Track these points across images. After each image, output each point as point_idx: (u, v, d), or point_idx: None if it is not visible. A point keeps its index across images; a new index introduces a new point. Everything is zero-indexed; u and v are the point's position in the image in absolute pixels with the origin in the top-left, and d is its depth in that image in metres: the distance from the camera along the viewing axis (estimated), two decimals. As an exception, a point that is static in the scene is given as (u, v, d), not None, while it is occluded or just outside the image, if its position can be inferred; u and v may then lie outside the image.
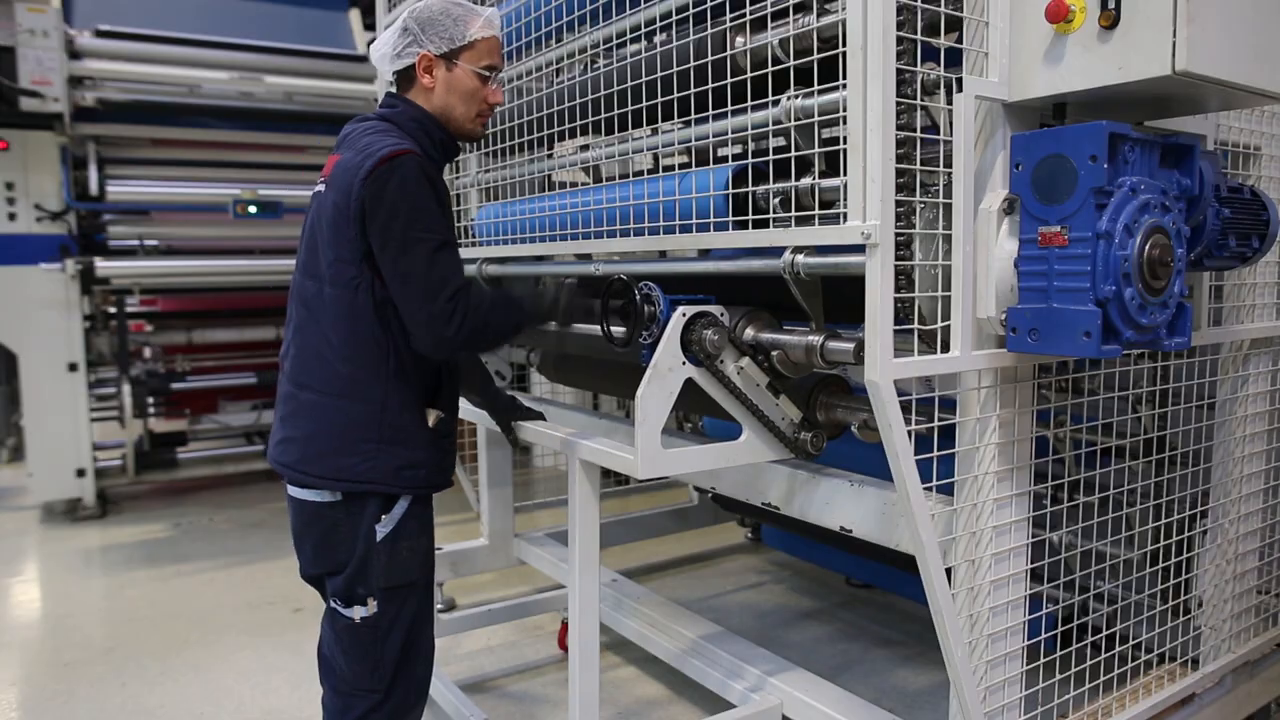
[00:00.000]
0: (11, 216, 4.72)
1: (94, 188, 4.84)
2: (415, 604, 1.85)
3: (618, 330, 1.85)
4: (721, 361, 1.74)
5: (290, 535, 1.92)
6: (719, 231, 1.84)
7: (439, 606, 3.58)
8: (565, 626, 3.11)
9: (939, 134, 1.57)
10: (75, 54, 4.72)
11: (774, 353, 1.81)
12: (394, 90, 1.90)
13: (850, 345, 1.65)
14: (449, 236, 1.74)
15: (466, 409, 2.53)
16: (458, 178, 3.11)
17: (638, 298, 1.77)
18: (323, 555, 1.83)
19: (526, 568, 3.63)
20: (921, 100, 1.53)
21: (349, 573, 1.80)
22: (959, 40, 1.61)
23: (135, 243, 5.01)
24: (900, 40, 1.46)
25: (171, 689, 2.91)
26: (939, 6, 1.55)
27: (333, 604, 1.84)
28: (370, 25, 4.66)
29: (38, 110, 4.53)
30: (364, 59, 5.57)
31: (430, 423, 1.82)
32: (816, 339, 1.71)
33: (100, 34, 4.86)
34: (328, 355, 1.76)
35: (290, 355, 1.85)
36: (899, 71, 1.47)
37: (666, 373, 1.69)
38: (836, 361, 1.69)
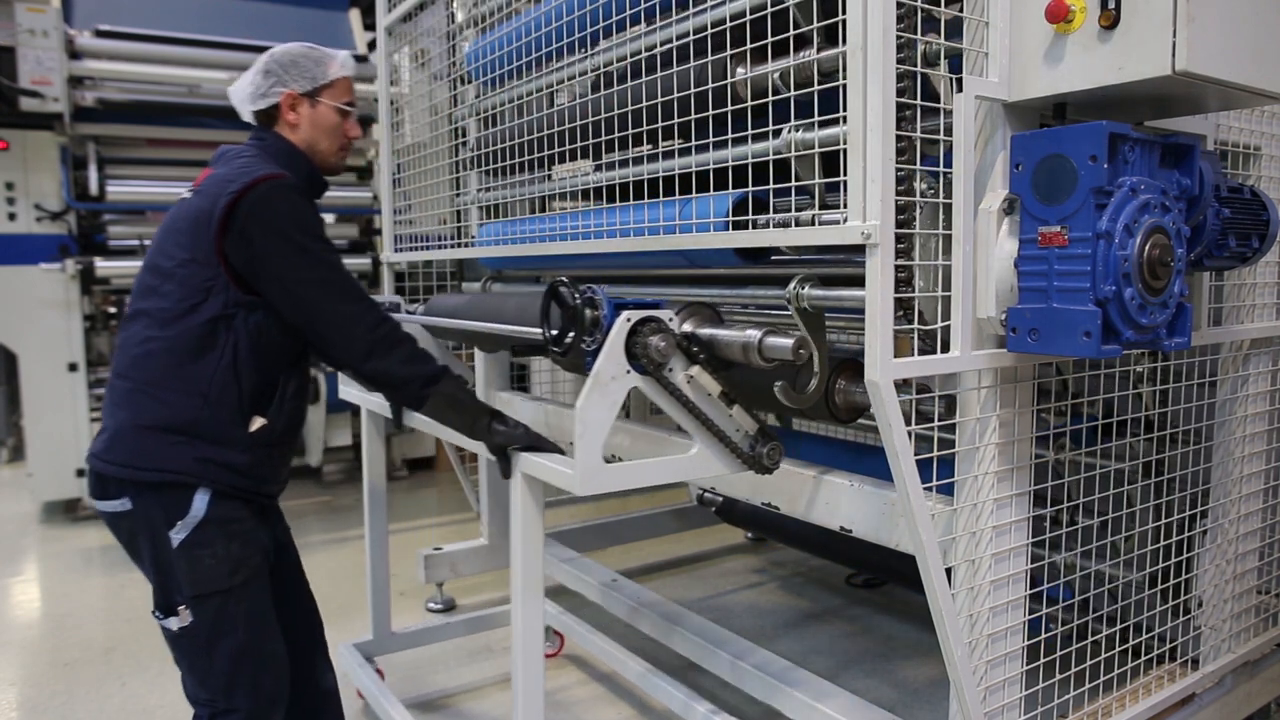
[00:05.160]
0: (11, 216, 4.72)
1: (94, 188, 4.84)
2: (239, 611, 1.81)
3: (557, 335, 1.76)
4: (670, 370, 1.64)
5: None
6: (719, 232, 1.85)
7: (438, 607, 3.59)
8: None
9: (938, 128, 1.56)
10: (75, 54, 4.72)
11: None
12: (258, 129, 2.00)
13: (790, 342, 1.58)
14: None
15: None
16: (458, 195, 3.13)
17: (578, 301, 1.69)
18: (138, 562, 1.85)
19: (526, 568, 3.63)
20: (923, 101, 1.53)
21: (156, 581, 1.81)
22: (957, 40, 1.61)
23: (135, 243, 5.01)
24: (900, 39, 1.46)
25: (171, 689, 2.91)
26: (939, 6, 1.55)
27: (154, 614, 1.84)
28: (370, 25, 4.66)
29: (38, 110, 4.54)
30: (364, 59, 5.57)
31: (252, 428, 1.82)
32: (754, 334, 1.62)
33: (100, 34, 4.86)
34: (154, 348, 1.77)
35: (118, 347, 1.87)
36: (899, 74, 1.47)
37: (609, 382, 1.59)
38: (775, 359, 1.61)
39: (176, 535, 1.75)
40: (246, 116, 2.02)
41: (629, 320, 1.60)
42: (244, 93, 2.00)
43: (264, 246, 1.75)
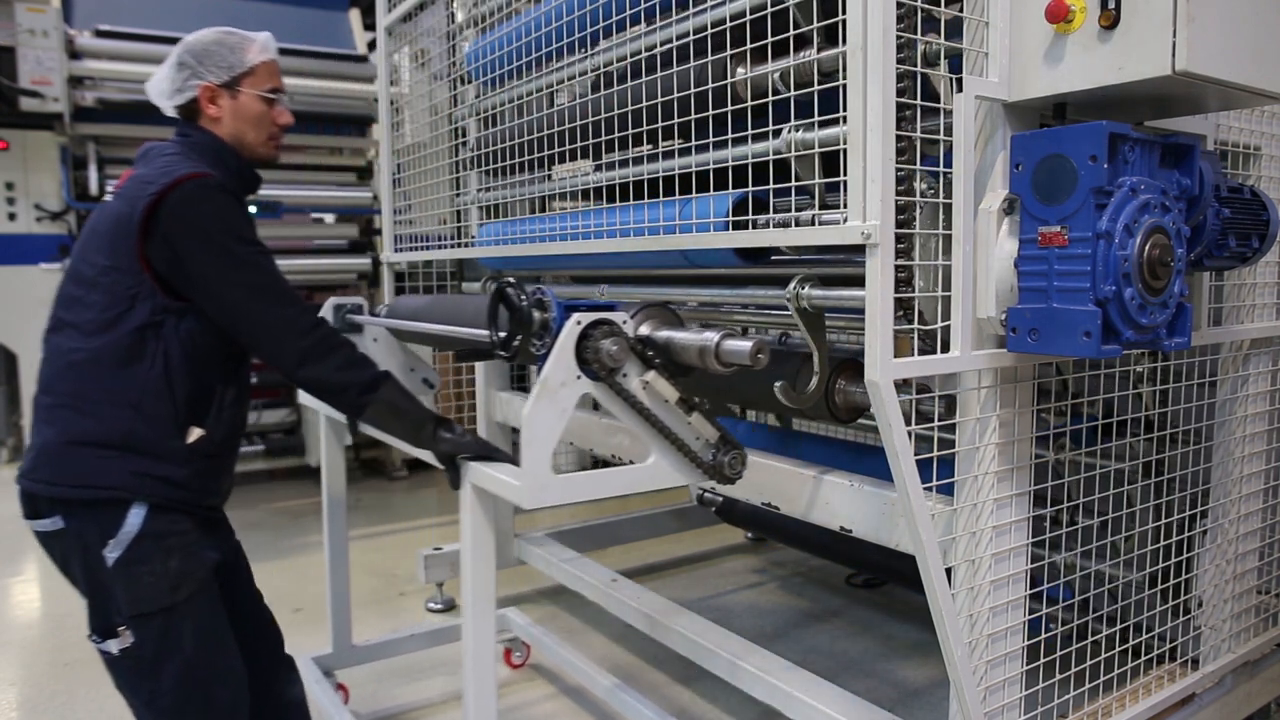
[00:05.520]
0: (11, 216, 4.73)
1: (94, 188, 4.85)
2: (185, 628, 1.73)
3: (505, 339, 1.68)
4: (624, 375, 1.54)
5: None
6: (719, 232, 1.85)
7: (438, 606, 3.59)
8: (508, 651, 3.01)
9: (938, 128, 1.57)
10: (75, 54, 4.72)
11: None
12: (182, 124, 1.90)
13: (748, 346, 1.49)
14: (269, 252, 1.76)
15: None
16: (458, 195, 3.13)
17: (526, 303, 1.61)
18: (73, 583, 1.77)
19: (526, 567, 3.63)
20: (923, 101, 1.53)
21: (92, 602, 1.73)
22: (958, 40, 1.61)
23: (135, 243, 5.01)
24: (900, 39, 1.46)
25: (171, 689, 2.91)
26: (939, 6, 1.55)
27: (90, 638, 1.75)
28: (370, 25, 4.66)
29: (38, 110, 4.54)
30: (364, 59, 5.58)
31: (190, 440, 1.75)
32: (712, 337, 1.53)
33: (100, 34, 4.86)
34: (78, 359, 1.70)
35: (43, 360, 1.78)
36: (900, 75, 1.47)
37: (559, 388, 1.49)
38: (732, 363, 1.52)
39: (111, 553, 1.67)
40: (169, 112, 1.91)
41: (579, 323, 1.51)
42: (160, 89, 1.89)
43: (187, 250, 1.67)
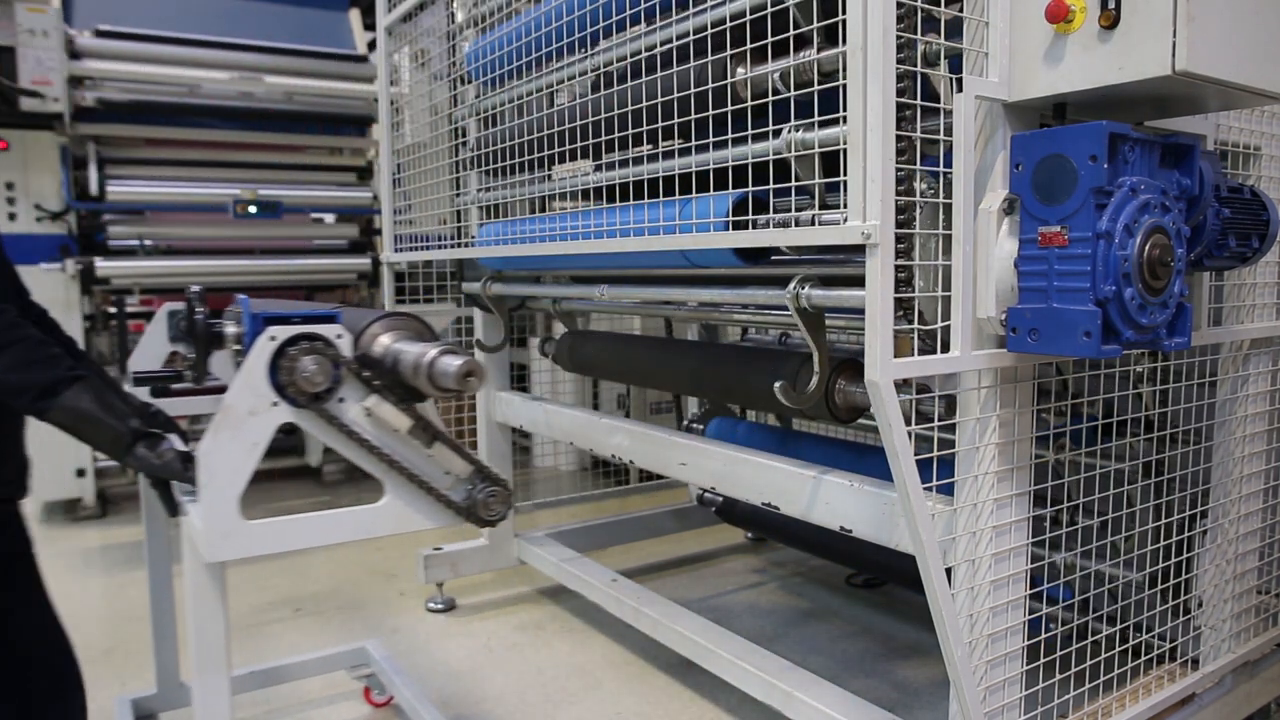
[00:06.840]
0: (11, 216, 4.72)
1: (94, 188, 4.84)
2: None
3: (195, 360, 1.51)
4: (340, 401, 1.32)
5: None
6: (719, 232, 1.85)
7: (438, 606, 3.59)
8: (367, 689, 2.81)
9: (938, 128, 1.57)
10: (75, 54, 4.72)
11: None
12: None
13: (456, 365, 1.30)
14: None
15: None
16: (458, 195, 3.13)
17: (199, 316, 1.41)
18: None
19: (526, 568, 3.63)
20: (923, 101, 1.53)
21: None
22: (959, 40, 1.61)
23: (135, 243, 5.01)
24: (900, 39, 1.46)
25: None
26: (939, 6, 1.55)
27: None
28: (370, 25, 4.67)
29: (38, 110, 4.53)
30: (364, 59, 5.58)
31: None
32: (429, 352, 1.32)
33: (100, 34, 4.86)
34: None
35: None
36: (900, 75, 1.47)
37: (246, 417, 1.27)
38: (445, 388, 1.32)
39: None
40: None
41: (273, 339, 1.28)
42: None
43: None
